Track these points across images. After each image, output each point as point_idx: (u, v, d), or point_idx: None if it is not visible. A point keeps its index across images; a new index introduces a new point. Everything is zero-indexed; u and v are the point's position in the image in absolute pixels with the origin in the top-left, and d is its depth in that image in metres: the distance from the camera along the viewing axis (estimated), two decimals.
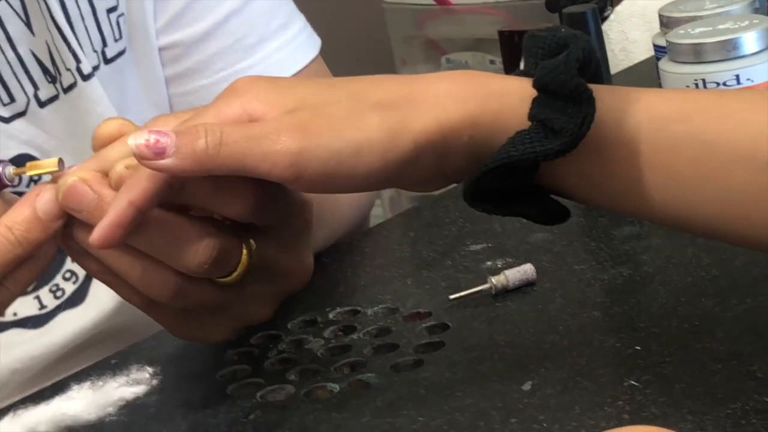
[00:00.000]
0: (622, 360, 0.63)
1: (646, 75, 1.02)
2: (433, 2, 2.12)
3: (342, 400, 0.64)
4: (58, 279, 0.82)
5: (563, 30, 0.58)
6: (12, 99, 0.80)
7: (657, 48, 0.98)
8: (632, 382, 0.60)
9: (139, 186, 0.57)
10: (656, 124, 0.56)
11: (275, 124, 0.57)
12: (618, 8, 1.29)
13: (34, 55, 0.80)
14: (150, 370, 0.70)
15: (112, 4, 0.82)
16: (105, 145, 0.61)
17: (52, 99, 0.80)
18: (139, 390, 0.68)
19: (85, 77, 0.80)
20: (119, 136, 0.61)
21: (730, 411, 0.56)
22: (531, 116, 0.56)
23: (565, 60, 0.56)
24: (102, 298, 0.82)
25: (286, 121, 0.57)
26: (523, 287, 0.71)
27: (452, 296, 0.72)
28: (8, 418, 0.67)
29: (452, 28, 2.14)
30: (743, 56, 0.87)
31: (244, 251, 0.61)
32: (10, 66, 0.79)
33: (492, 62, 2.10)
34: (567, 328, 0.66)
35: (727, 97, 0.58)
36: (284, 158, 0.56)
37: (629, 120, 0.56)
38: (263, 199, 0.59)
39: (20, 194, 0.64)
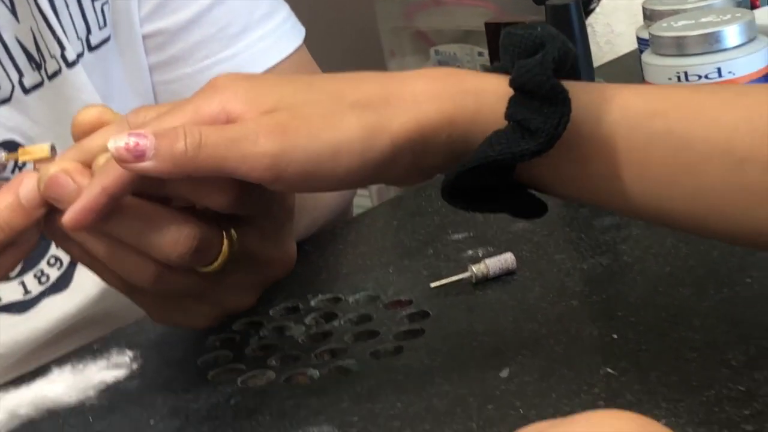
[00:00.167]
0: (599, 348, 0.63)
1: (630, 68, 1.03)
2: None
3: (322, 386, 0.64)
4: (42, 264, 0.82)
5: (539, 29, 0.58)
6: None
7: (640, 41, 0.98)
8: (608, 370, 0.60)
9: (113, 173, 0.57)
10: (631, 121, 0.57)
11: (253, 125, 0.57)
12: (604, 1, 1.30)
13: (19, 42, 0.80)
14: (131, 354, 0.70)
15: None
16: (84, 132, 0.62)
17: (37, 86, 0.81)
18: (120, 374, 0.68)
19: (70, 64, 0.81)
20: (99, 124, 0.61)
21: (704, 399, 0.57)
22: (507, 116, 0.57)
23: (541, 61, 0.56)
24: (86, 284, 0.82)
25: (264, 122, 0.57)
26: (504, 276, 0.72)
27: (433, 284, 0.72)
28: None
29: (441, 19, 2.14)
30: (725, 49, 0.88)
31: (225, 241, 0.62)
32: None
33: (480, 54, 2.10)
34: (545, 316, 0.67)
35: (702, 94, 0.58)
36: (263, 160, 0.56)
37: (604, 117, 0.57)
38: (244, 191, 0.60)
39: (5, 180, 0.64)
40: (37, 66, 0.80)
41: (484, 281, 0.72)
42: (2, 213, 0.60)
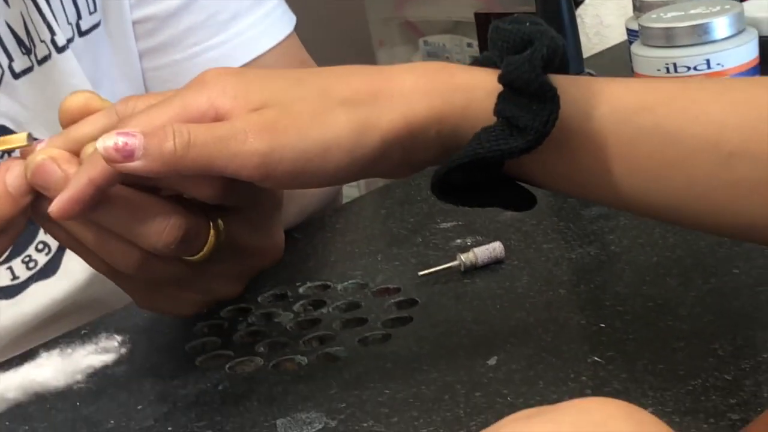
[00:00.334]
0: (587, 337, 0.64)
1: (619, 59, 1.03)
2: None
3: (310, 373, 0.64)
4: (30, 250, 0.82)
5: (528, 23, 0.58)
6: None
7: (630, 32, 0.99)
8: (596, 358, 0.61)
9: (100, 164, 0.57)
10: (619, 116, 0.57)
11: (242, 124, 0.57)
12: None
13: (9, 27, 0.80)
14: (120, 339, 0.70)
15: None
16: (72, 119, 0.61)
17: (27, 71, 0.80)
18: (108, 359, 0.68)
19: (60, 49, 0.80)
20: (86, 111, 0.61)
21: (691, 388, 0.57)
22: (496, 112, 0.57)
23: (529, 58, 0.56)
24: (74, 270, 0.82)
25: (253, 120, 0.57)
26: (492, 265, 0.72)
27: (421, 273, 0.72)
28: None
29: (430, 10, 2.14)
30: (714, 41, 0.88)
31: (212, 231, 0.61)
32: None
33: (469, 45, 2.11)
34: (533, 305, 0.67)
35: (690, 88, 0.58)
36: (252, 159, 0.56)
37: (593, 112, 0.57)
38: (232, 183, 0.60)
39: None
40: (27, 51, 0.80)
41: (473, 270, 0.72)
42: None
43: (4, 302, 0.82)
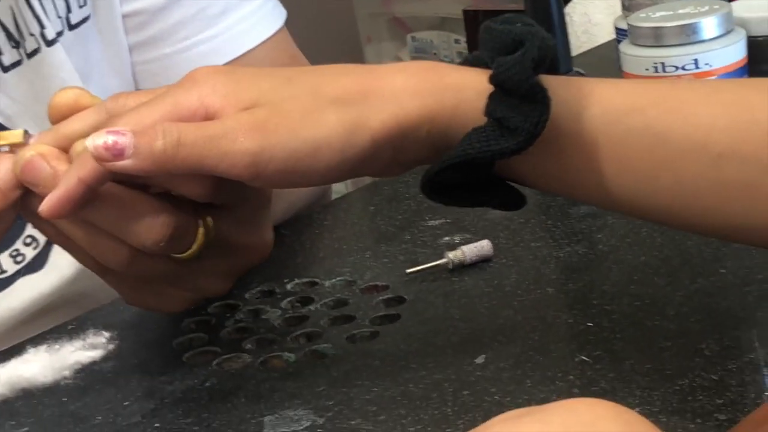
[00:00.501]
0: (574, 336, 0.64)
1: (607, 57, 1.03)
2: None
3: (297, 370, 0.64)
4: (18, 244, 0.82)
5: (519, 24, 0.58)
6: None
7: (618, 31, 0.99)
8: (583, 358, 0.61)
9: (90, 163, 0.57)
10: (609, 117, 0.57)
11: (233, 123, 0.57)
12: None
13: None
14: (107, 335, 0.70)
15: None
16: (61, 115, 0.61)
17: (16, 64, 0.80)
18: (95, 354, 0.68)
19: (49, 43, 0.80)
20: (76, 107, 0.61)
21: (678, 387, 0.57)
22: (487, 113, 0.57)
23: (520, 60, 0.56)
24: (62, 264, 0.82)
25: (243, 120, 0.57)
26: (480, 263, 0.72)
27: (409, 270, 0.72)
28: None
29: (418, 6, 2.14)
30: (702, 41, 0.88)
31: (201, 229, 0.61)
32: None
33: (457, 41, 2.11)
34: (521, 303, 0.67)
35: (679, 89, 0.58)
36: (243, 158, 0.56)
37: (583, 113, 0.57)
38: (221, 180, 0.60)
39: None
40: (16, 44, 0.80)
41: (461, 268, 0.72)
42: None
43: None
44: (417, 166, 0.60)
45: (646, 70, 0.90)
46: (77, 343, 0.69)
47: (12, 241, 0.82)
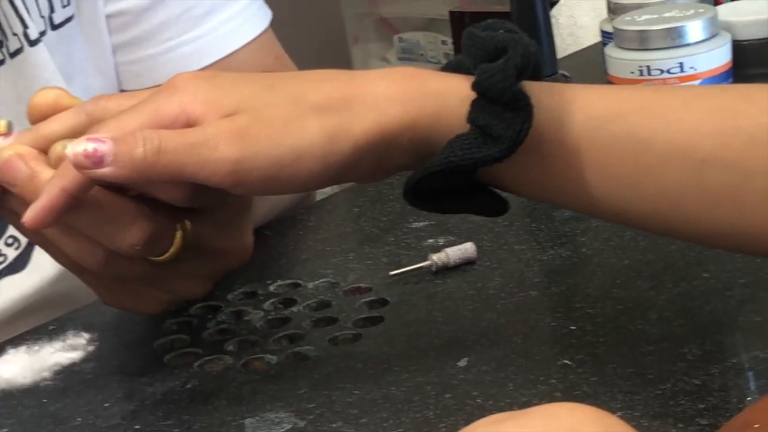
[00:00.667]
0: (557, 339, 0.64)
1: (593, 60, 1.03)
2: None
3: (279, 372, 0.64)
4: None
5: (502, 31, 0.58)
6: None
7: (604, 34, 0.99)
8: (566, 361, 0.61)
9: (72, 173, 0.57)
10: (593, 123, 0.57)
11: (214, 130, 0.56)
12: None
13: None
14: (87, 336, 0.70)
15: None
16: (41, 115, 0.61)
17: None
18: (75, 356, 0.68)
19: (32, 42, 0.80)
20: (56, 107, 0.61)
21: (660, 392, 0.57)
22: (469, 120, 0.57)
23: (503, 67, 0.56)
24: (44, 265, 0.81)
25: (224, 127, 0.56)
26: (464, 265, 0.72)
27: (393, 272, 0.72)
28: None
29: (405, 7, 2.14)
30: (687, 44, 0.88)
31: (179, 233, 0.61)
32: None
33: (444, 42, 2.11)
34: (505, 306, 0.67)
35: (663, 95, 0.58)
36: (224, 166, 0.56)
37: (566, 119, 0.57)
38: (201, 186, 0.59)
39: None
40: None
41: (444, 270, 0.72)
42: None
43: None
44: (400, 172, 0.60)
45: (632, 73, 0.90)
46: (57, 345, 0.69)
47: None
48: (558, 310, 0.67)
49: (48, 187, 0.57)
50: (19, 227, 0.62)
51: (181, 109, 0.58)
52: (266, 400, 0.61)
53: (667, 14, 0.90)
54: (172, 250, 0.61)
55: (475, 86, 0.57)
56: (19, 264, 0.82)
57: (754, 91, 0.58)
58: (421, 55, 2.15)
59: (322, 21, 2.30)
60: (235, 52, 0.86)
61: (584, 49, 1.15)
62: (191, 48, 0.85)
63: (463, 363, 0.62)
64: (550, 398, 0.58)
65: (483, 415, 0.43)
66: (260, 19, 0.89)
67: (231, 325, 0.70)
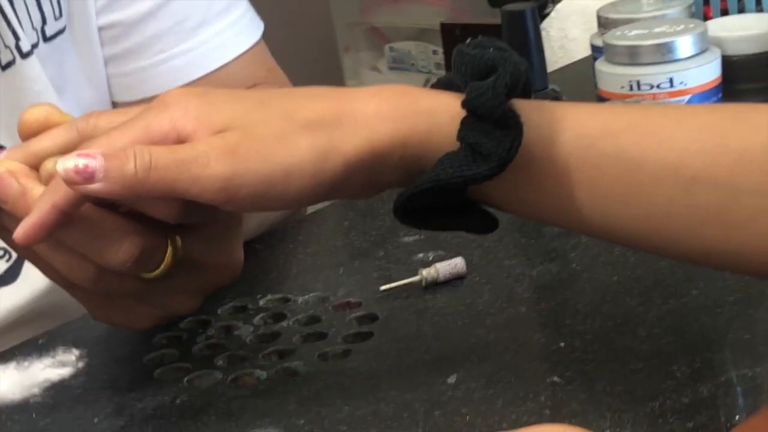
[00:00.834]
0: (546, 356, 0.64)
1: (583, 74, 1.04)
2: None
3: (269, 388, 0.64)
4: None
5: (492, 49, 0.58)
6: None
7: (594, 48, 0.99)
8: (555, 378, 0.61)
9: (63, 189, 0.57)
10: (583, 142, 0.57)
11: (204, 147, 0.57)
12: (559, 6, 1.31)
13: None
14: (77, 351, 0.70)
15: None
16: (31, 131, 0.61)
17: None
18: (65, 371, 0.68)
19: (24, 55, 0.80)
20: (46, 124, 0.61)
21: (649, 410, 0.57)
22: (459, 138, 0.57)
23: (493, 85, 0.56)
24: (35, 277, 0.81)
25: (215, 144, 0.57)
26: (453, 280, 0.72)
27: (383, 287, 0.72)
28: None
29: (396, 16, 2.15)
30: (677, 60, 0.89)
31: (169, 249, 0.61)
32: None
33: (435, 52, 2.11)
34: (494, 322, 0.67)
35: (653, 114, 0.59)
36: (214, 183, 0.56)
37: (556, 138, 0.57)
38: (191, 201, 0.59)
39: None
40: None
41: (434, 285, 0.72)
42: None
43: None
44: (389, 189, 0.60)
45: (622, 88, 0.90)
46: (47, 361, 0.69)
47: None
48: (547, 326, 0.67)
49: (39, 203, 0.57)
50: (10, 243, 0.62)
51: (172, 126, 0.58)
52: (255, 416, 0.61)
53: (657, 29, 0.91)
54: (162, 266, 0.61)
55: (465, 104, 0.57)
56: (9, 276, 0.82)
57: (742, 111, 0.58)
58: (412, 64, 2.15)
59: (313, 30, 2.30)
60: (227, 64, 0.86)
61: (575, 62, 1.15)
62: (183, 60, 0.85)
63: (452, 379, 0.62)
64: (539, 416, 0.58)
65: None
66: (252, 31, 0.89)
67: (221, 340, 0.70)
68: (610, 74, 0.91)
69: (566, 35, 1.27)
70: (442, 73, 1.98)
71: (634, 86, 0.89)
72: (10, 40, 0.79)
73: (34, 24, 0.81)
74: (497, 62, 0.57)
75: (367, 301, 0.71)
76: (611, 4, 1.00)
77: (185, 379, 0.66)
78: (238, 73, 0.87)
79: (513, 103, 0.57)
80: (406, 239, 0.79)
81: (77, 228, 0.59)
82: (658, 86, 0.89)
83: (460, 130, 0.57)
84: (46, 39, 0.82)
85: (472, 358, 0.64)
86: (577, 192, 0.57)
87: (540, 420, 0.58)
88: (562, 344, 0.64)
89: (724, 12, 1.01)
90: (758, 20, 0.97)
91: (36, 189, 0.59)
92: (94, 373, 0.68)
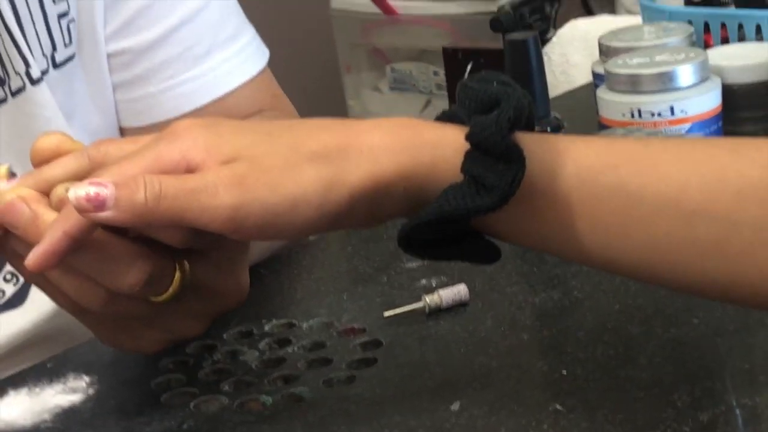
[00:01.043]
0: (549, 384, 0.65)
1: (584, 101, 1.05)
2: (380, 12, 2.14)
3: (274, 413, 0.65)
4: None
5: (495, 83, 0.59)
6: None
7: (596, 75, 1.00)
8: (557, 406, 0.62)
9: (74, 217, 0.58)
10: (583, 175, 0.58)
11: (213, 177, 0.58)
12: (560, 31, 1.32)
13: None
14: (85, 375, 0.71)
15: (64, 9, 0.83)
16: (43, 159, 0.62)
17: (0, 102, 0.81)
18: (75, 398, 0.69)
19: (34, 81, 0.81)
20: (58, 152, 0.62)
21: None
22: (463, 170, 0.58)
23: (496, 120, 0.57)
24: (42, 301, 0.82)
25: (224, 174, 0.58)
26: (456, 307, 0.73)
27: (386, 313, 0.73)
28: None
29: (398, 37, 2.16)
30: (678, 88, 0.90)
31: (177, 273, 0.62)
32: None
33: (435, 73, 2.12)
34: (497, 349, 0.68)
35: (652, 148, 0.60)
36: (223, 213, 0.57)
37: (558, 171, 0.58)
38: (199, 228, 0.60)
39: None
40: (1, 82, 0.81)
41: (437, 311, 0.73)
42: None
43: None
44: (392, 219, 0.61)
45: (623, 115, 0.91)
46: (58, 387, 0.69)
47: None
48: (549, 354, 0.68)
49: (50, 230, 0.58)
50: (20, 269, 0.62)
51: (181, 156, 0.59)
52: None
53: (658, 58, 0.92)
54: (171, 290, 0.62)
55: (469, 138, 0.58)
56: (17, 300, 0.83)
57: (740, 145, 0.59)
58: (413, 85, 2.16)
59: (314, 50, 2.31)
60: (234, 90, 0.87)
61: (576, 89, 1.16)
62: (191, 87, 0.86)
63: (455, 406, 0.63)
64: None
65: None
66: (258, 58, 0.90)
67: (226, 365, 0.70)
68: (611, 102, 0.92)
69: (567, 60, 1.28)
70: (443, 94, 1.99)
71: (635, 114, 0.91)
72: (21, 67, 0.80)
73: (45, 51, 0.82)
74: (501, 96, 0.58)
75: (371, 327, 0.72)
76: (613, 32, 1.01)
77: (192, 404, 0.67)
78: (244, 99, 0.88)
79: (516, 136, 0.58)
80: (409, 265, 0.79)
81: (87, 253, 0.60)
82: (659, 114, 0.90)
83: (464, 163, 0.58)
84: (56, 66, 0.83)
85: (475, 384, 0.65)
86: (577, 224, 0.58)
87: None
88: (564, 372, 0.65)
89: (725, 41, 1.02)
90: (758, 49, 0.98)
91: (47, 215, 0.60)
92: (102, 397, 0.69)
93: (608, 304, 0.71)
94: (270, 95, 0.90)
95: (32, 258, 0.58)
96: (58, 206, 0.60)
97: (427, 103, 2.16)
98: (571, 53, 1.28)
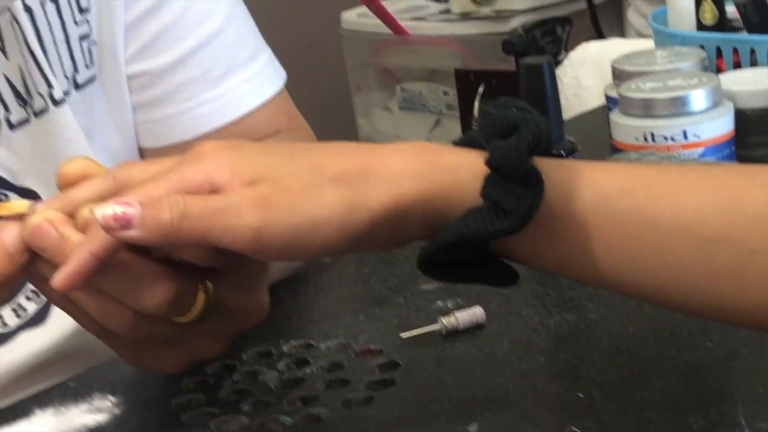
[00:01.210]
0: (565, 406, 0.65)
1: (597, 124, 1.05)
2: (390, 32, 2.15)
3: None
4: (20, 299, 0.83)
5: (514, 109, 0.61)
6: None
7: (609, 99, 1.01)
8: (573, 429, 0.62)
9: (100, 237, 0.59)
10: (600, 200, 0.59)
11: (237, 198, 0.59)
12: (572, 54, 1.33)
13: (7, 79, 0.81)
14: (105, 395, 0.71)
15: (85, 31, 0.84)
16: (68, 184, 0.63)
17: (23, 122, 0.82)
18: (97, 416, 0.69)
19: (57, 102, 0.82)
20: (83, 176, 0.63)
21: None
22: (483, 194, 0.59)
23: (515, 145, 0.58)
24: (63, 319, 0.82)
25: (247, 195, 0.59)
26: (473, 329, 0.74)
27: (403, 335, 0.74)
28: None
29: (408, 58, 2.17)
30: (691, 113, 0.91)
31: (201, 293, 0.63)
32: None
33: (445, 93, 2.13)
34: (513, 371, 0.69)
35: (669, 174, 0.61)
36: (246, 233, 0.58)
37: (575, 195, 0.59)
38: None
39: None
40: (24, 103, 0.82)
41: (454, 333, 0.74)
42: None
43: None
44: (411, 242, 0.62)
45: (636, 139, 0.92)
46: (84, 407, 0.70)
47: (14, 295, 0.83)
48: (565, 376, 0.68)
49: (77, 251, 0.59)
50: (46, 291, 0.63)
51: (206, 177, 0.60)
52: None
53: (671, 82, 0.93)
54: (195, 311, 0.63)
55: (488, 162, 0.59)
56: (38, 318, 0.84)
57: (756, 173, 0.60)
58: (423, 105, 2.17)
59: (325, 70, 2.32)
60: (251, 112, 0.88)
61: (588, 111, 1.17)
62: (209, 108, 0.87)
63: (473, 428, 0.63)
64: None
65: None
66: (275, 79, 0.91)
67: (246, 385, 0.71)
68: (624, 126, 0.93)
69: (579, 83, 1.29)
70: (453, 114, 2.00)
71: (648, 138, 0.91)
72: (44, 88, 0.81)
73: (66, 72, 0.83)
74: (519, 122, 0.59)
75: (388, 349, 0.73)
76: (625, 56, 1.02)
77: (212, 424, 0.67)
78: (261, 120, 0.89)
79: (534, 161, 0.59)
80: (425, 287, 0.80)
81: (113, 273, 0.61)
82: (672, 138, 0.91)
83: (483, 187, 0.59)
84: (77, 87, 0.84)
85: (492, 407, 0.65)
86: (594, 248, 0.59)
87: None
88: (581, 394, 0.65)
89: (737, 65, 1.03)
90: None
91: (73, 236, 0.61)
92: (124, 417, 0.69)
93: (623, 326, 0.72)
94: (287, 117, 0.91)
95: (58, 278, 0.59)
96: (84, 228, 0.61)
97: (437, 123, 2.17)
98: (582, 76, 1.29)
